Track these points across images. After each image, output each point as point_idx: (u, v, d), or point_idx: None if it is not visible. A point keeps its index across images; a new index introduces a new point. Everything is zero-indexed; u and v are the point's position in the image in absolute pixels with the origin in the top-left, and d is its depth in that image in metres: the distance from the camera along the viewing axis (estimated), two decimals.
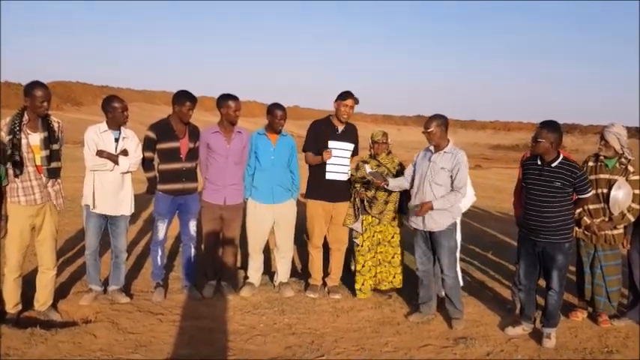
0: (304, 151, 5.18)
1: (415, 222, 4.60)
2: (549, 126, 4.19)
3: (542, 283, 4.52)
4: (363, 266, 5.10)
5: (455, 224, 4.58)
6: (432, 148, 4.55)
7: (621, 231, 4.58)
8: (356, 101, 5.01)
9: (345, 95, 4.98)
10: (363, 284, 5.12)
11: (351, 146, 5.12)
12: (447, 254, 4.52)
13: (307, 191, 5.19)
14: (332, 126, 5.10)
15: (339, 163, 5.04)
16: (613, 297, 4.67)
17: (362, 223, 5.10)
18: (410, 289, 5.31)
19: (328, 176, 5.05)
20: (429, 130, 4.47)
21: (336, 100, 5.03)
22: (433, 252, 4.62)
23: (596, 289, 4.67)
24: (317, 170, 5.11)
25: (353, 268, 5.26)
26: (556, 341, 4.25)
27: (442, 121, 4.50)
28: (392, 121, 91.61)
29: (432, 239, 4.56)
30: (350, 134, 5.15)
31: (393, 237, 5.13)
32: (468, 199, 4.79)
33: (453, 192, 4.42)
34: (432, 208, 4.39)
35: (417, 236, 4.66)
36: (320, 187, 5.10)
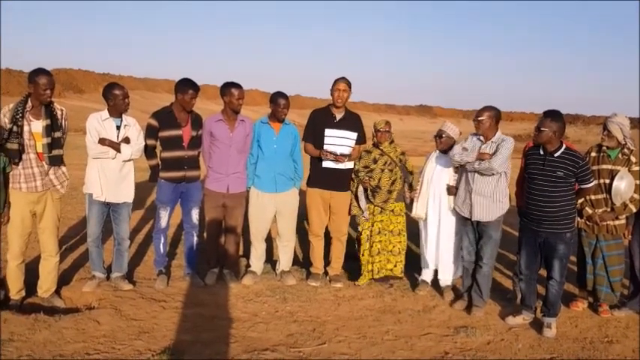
0: (304, 140, 5.18)
1: (464, 211, 4.62)
2: (552, 115, 4.19)
3: (543, 272, 4.53)
4: (363, 255, 5.12)
5: (503, 216, 4.58)
6: (481, 138, 4.53)
7: (623, 221, 4.58)
8: (348, 84, 5.01)
9: (337, 79, 5.00)
10: (370, 270, 5.15)
11: (351, 134, 5.09)
12: (492, 245, 4.55)
13: (307, 179, 5.20)
14: (330, 114, 5.10)
15: (334, 149, 5.02)
16: (616, 287, 4.68)
17: (367, 211, 5.11)
18: (412, 279, 5.33)
19: (325, 164, 5.04)
20: (480, 119, 4.47)
21: (330, 89, 5.04)
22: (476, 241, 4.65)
23: (598, 279, 4.68)
24: (315, 159, 5.12)
25: (360, 255, 5.25)
26: (556, 331, 4.27)
27: (494, 112, 4.50)
28: (394, 110, 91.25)
29: (478, 229, 4.59)
30: (350, 122, 5.13)
31: (396, 226, 5.14)
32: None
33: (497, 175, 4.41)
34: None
35: (466, 226, 4.68)
36: (318, 176, 5.11)
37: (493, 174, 4.39)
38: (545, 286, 4.39)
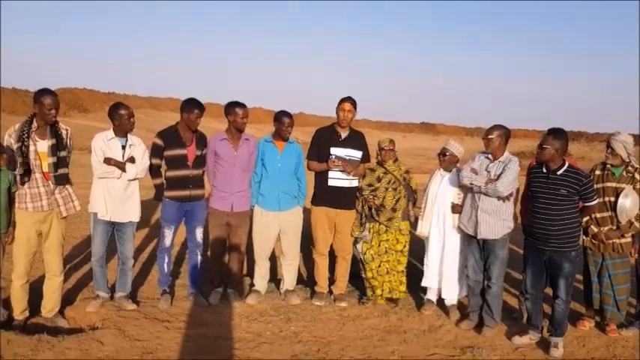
0: (308, 159, 5.19)
1: (469, 229, 4.59)
2: (555, 133, 4.20)
3: (549, 291, 4.50)
4: (373, 277, 5.09)
5: (509, 234, 4.55)
6: (490, 156, 4.55)
7: (629, 239, 4.55)
8: (353, 104, 5.03)
9: (342, 99, 5.03)
10: (373, 292, 5.13)
11: (356, 153, 5.11)
12: (499, 264, 4.52)
13: (312, 198, 5.20)
14: (335, 133, 5.12)
15: (342, 169, 5.04)
16: (622, 306, 4.64)
17: (369, 231, 5.10)
18: (417, 298, 5.30)
19: (331, 182, 5.04)
20: (490, 137, 4.48)
21: (336, 108, 5.06)
22: (484, 261, 4.62)
23: (605, 298, 4.64)
24: (320, 177, 5.13)
25: (364, 275, 5.23)
26: (563, 350, 4.23)
27: (504, 131, 4.52)
28: (397, 128, 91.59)
29: (485, 248, 4.56)
30: (355, 141, 5.15)
31: (403, 245, 5.11)
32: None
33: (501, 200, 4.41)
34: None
35: (471, 245, 4.66)
36: (323, 194, 5.11)
37: (499, 197, 4.38)
38: (551, 305, 4.36)
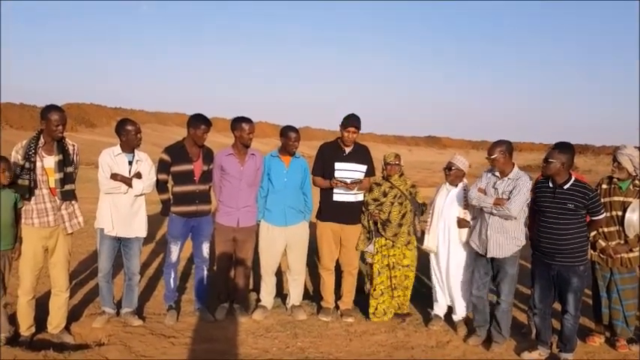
0: (313, 174, 5.20)
1: (479, 247, 4.55)
2: (561, 147, 4.19)
3: (557, 306, 4.45)
4: (375, 290, 5.06)
5: (519, 252, 4.50)
6: (497, 173, 4.49)
7: (637, 254, 4.51)
8: (358, 127, 5.01)
9: (347, 123, 4.99)
10: (376, 308, 5.09)
11: (361, 167, 5.11)
12: (509, 281, 4.47)
13: (317, 213, 5.19)
14: (339, 148, 5.12)
15: (344, 177, 5.01)
16: (630, 321, 4.59)
17: (374, 245, 5.08)
18: (425, 313, 5.25)
19: (335, 197, 5.05)
20: (493, 157, 4.42)
21: (340, 126, 5.06)
22: (492, 278, 4.58)
23: (614, 314, 4.59)
24: (325, 192, 5.13)
25: (367, 290, 5.21)
26: None
27: (505, 147, 4.44)
28: (403, 141, 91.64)
29: (494, 265, 4.52)
30: (359, 155, 5.15)
31: (411, 260, 5.09)
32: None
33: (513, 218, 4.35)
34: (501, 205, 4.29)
35: (478, 261, 4.62)
36: (328, 209, 5.11)
37: (511, 219, 4.35)
38: (560, 320, 4.31)
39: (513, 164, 4.48)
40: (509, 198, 4.30)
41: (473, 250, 4.65)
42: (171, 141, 5.02)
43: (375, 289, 5.07)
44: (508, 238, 4.38)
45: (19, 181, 4.05)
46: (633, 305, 4.59)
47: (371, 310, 5.10)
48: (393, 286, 5.06)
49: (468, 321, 5.00)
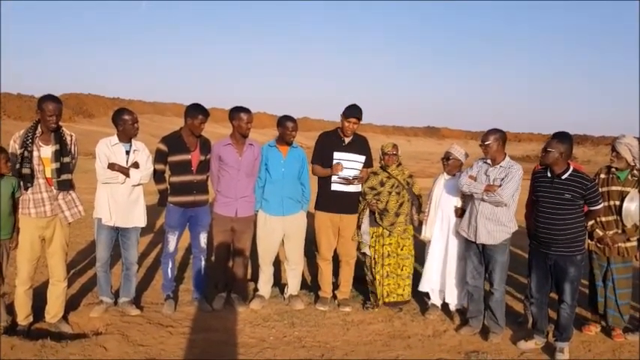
0: (312, 163, 5.19)
1: (468, 234, 4.56)
2: (559, 136, 4.20)
3: (554, 296, 4.47)
4: (374, 278, 5.07)
5: (509, 240, 4.51)
6: (489, 161, 4.51)
7: (634, 243, 4.52)
8: (359, 117, 5.00)
9: (349, 114, 4.97)
10: (376, 297, 5.10)
11: (359, 157, 5.11)
12: (500, 269, 4.48)
13: (315, 203, 5.19)
14: (338, 137, 5.11)
15: (344, 174, 5.03)
16: (623, 310, 4.60)
17: (371, 235, 5.09)
18: (422, 302, 5.27)
19: (334, 187, 5.04)
20: (487, 143, 4.43)
21: (341, 115, 5.04)
22: (485, 266, 4.59)
23: (608, 303, 4.61)
24: (323, 182, 5.12)
25: (368, 279, 5.21)
26: (569, 355, 4.20)
27: (499, 135, 4.46)
28: (402, 132, 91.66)
29: (485, 253, 4.53)
30: (358, 145, 5.14)
31: (402, 249, 5.10)
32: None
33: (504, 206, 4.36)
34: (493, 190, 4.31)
35: (470, 250, 4.63)
36: (326, 199, 5.11)
37: (502, 206, 4.36)
38: (556, 309, 4.33)
39: (505, 154, 4.49)
40: (500, 185, 4.31)
41: (466, 240, 4.65)
42: (169, 131, 5.00)
43: (374, 277, 5.08)
44: (498, 225, 4.39)
45: (23, 170, 4.04)
46: (626, 294, 4.60)
47: (372, 298, 5.12)
48: (386, 273, 5.07)
49: (464, 311, 5.02)
